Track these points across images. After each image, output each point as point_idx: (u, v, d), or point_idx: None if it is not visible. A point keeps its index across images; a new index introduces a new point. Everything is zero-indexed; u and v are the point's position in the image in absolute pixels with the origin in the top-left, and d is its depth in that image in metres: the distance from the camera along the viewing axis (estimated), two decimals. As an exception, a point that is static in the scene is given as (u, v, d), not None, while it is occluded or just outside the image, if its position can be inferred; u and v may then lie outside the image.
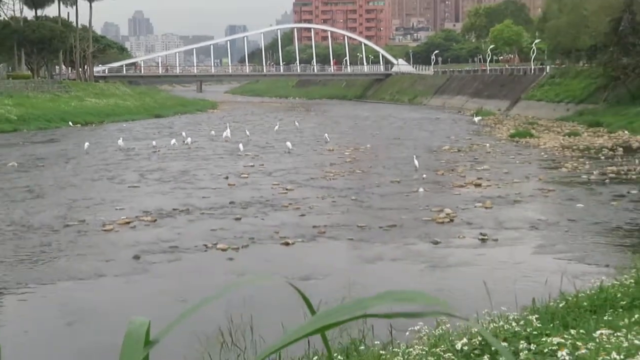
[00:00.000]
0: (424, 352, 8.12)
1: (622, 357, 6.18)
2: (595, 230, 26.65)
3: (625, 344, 6.82)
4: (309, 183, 38.94)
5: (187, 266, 22.23)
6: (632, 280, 13.37)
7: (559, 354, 7.09)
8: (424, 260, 22.50)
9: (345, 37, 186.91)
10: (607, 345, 6.90)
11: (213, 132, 70.43)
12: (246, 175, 41.66)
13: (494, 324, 9.42)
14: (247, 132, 68.81)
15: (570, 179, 38.76)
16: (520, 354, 7.20)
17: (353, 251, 24.13)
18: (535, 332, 8.12)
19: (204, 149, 58.27)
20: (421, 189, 35.52)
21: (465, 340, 7.83)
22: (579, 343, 7.24)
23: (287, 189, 36.48)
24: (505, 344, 7.33)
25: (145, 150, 57.52)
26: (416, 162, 44.25)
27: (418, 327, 10.58)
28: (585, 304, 12.39)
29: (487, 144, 59.85)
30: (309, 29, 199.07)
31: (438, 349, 7.97)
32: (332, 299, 17.83)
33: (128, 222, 28.25)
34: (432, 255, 23.12)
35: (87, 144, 59.67)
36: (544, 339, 7.56)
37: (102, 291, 20.01)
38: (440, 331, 9.91)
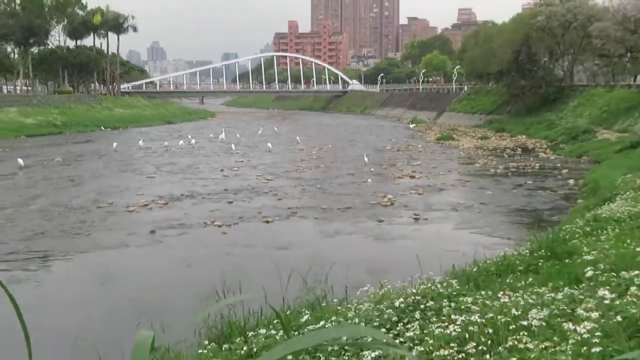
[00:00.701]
0: (370, 308, 8.16)
1: (519, 313, 6.26)
2: (500, 212, 26.92)
3: (522, 303, 6.90)
4: (284, 174, 39.01)
5: (191, 238, 22.25)
6: (527, 251, 13.51)
7: (473, 308, 7.20)
8: (372, 235, 22.62)
9: (313, 63, 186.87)
10: (508, 304, 6.99)
11: (212, 135, 70.54)
12: (237, 169, 41.72)
13: (424, 286, 9.44)
14: (238, 135, 69.08)
15: (481, 172, 39.07)
16: (443, 309, 7.26)
17: (318, 227, 24.20)
18: (454, 293, 8.13)
19: (204, 148, 58.24)
20: (369, 180, 35.64)
21: (402, 299, 7.88)
22: (487, 302, 7.32)
23: (267, 179, 36.53)
24: (432, 302, 7.42)
25: (160, 148, 57.42)
26: (366, 159, 44.47)
27: (366, 288, 10.64)
28: (492, 269, 12.49)
29: (419, 145, 60.19)
30: (285, 57, 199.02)
31: (381, 305, 8.01)
32: (302, 264, 18.00)
33: (146, 205, 28.27)
34: (378, 230, 23.25)
35: (115, 144, 59.32)
36: (461, 299, 7.61)
37: (126, 258, 20.08)
38: (384, 291, 9.93)
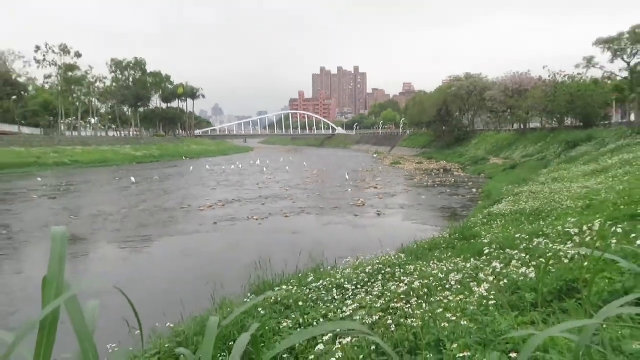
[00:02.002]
0: (351, 272, 8.06)
1: (443, 276, 6.20)
2: (430, 209, 26.77)
3: (445, 269, 6.82)
4: (297, 186, 38.86)
5: (239, 227, 22.08)
6: (448, 235, 13.36)
7: (415, 273, 7.11)
8: (351, 224, 22.43)
9: (314, 117, 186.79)
10: (436, 270, 6.91)
11: (251, 162, 70.42)
12: (267, 183, 41.58)
13: (384, 258, 9.34)
14: (267, 162, 68.93)
15: (418, 185, 38.90)
16: (396, 274, 7.17)
17: (318, 219, 23.99)
18: (403, 263, 8.04)
19: (246, 170, 58.03)
20: (349, 189, 35.50)
21: (370, 267, 7.77)
22: (423, 269, 7.24)
23: (286, 190, 36.37)
24: (389, 269, 7.35)
25: (219, 170, 57.26)
26: (347, 176, 44.31)
27: (348, 259, 10.55)
28: (426, 246, 12.31)
29: (380, 168, 59.98)
30: (296, 113, 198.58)
31: (358, 271, 7.91)
32: (308, 242, 17.90)
33: (210, 206, 28.10)
34: (355, 222, 23.04)
35: (191, 167, 59.19)
36: (407, 266, 7.51)
37: (199, 240, 19.90)
38: (359, 262, 9.74)
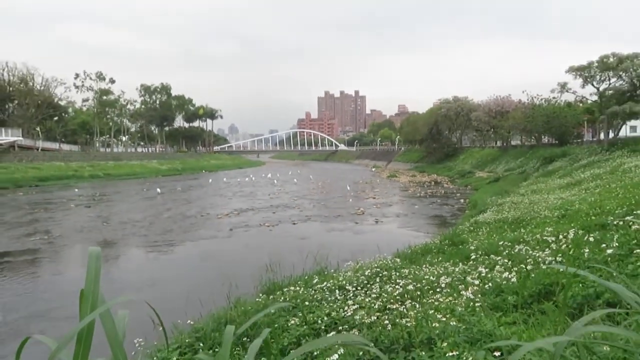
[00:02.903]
0: (351, 275, 7.98)
1: (434, 279, 6.12)
2: (423, 217, 26.63)
3: (436, 273, 6.75)
4: (303, 197, 38.76)
5: (253, 233, 22.01)
6: (438, 241, 13.21)
7: (409, 276, 7.03)
8: (352, 231, 22.35)
9: (319, 135, 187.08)
10: (428, 273, 6.83)
11: (263, 175, 70.33)
12: (277, 194, 41.46)
13: (381, 262, 9.21)
14: (277, 175, 68.75)
15: (412, 195, 38.73)
16: (392, 276, 7.10)
17: (323, 226, 23.84)
18: (398, 267, 7.90)
19: (259, 182, 57.97)
20: (350, 199, 35.37)
21: (369, 270, 7.67)
22: (416, 272, 7.15)
23: (294, 199, 36.26)
24: (386, 272, 7.27)
25: (235, 182, 57.22)
26: (348, 187, 44.23)
27: (349, 263, 10.45)
28: (419, 251, 12.21)
29: (377, 180, 59.75)
30: (303, 131, 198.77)
31: (358, 274, 7.83)
32: (314, 247, 17.78)
33: (227, 214, 28.03)
34: (355, 228, 22.94)
35: (210, 180, 59.15)
36: (402, 270, 7.38)
37: (217, 244, 19.83)
38: (359, 265, 9.62)
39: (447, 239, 13.10)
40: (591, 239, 4.75)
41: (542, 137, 50.76)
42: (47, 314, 11.02)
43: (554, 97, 43.10)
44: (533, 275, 4.06)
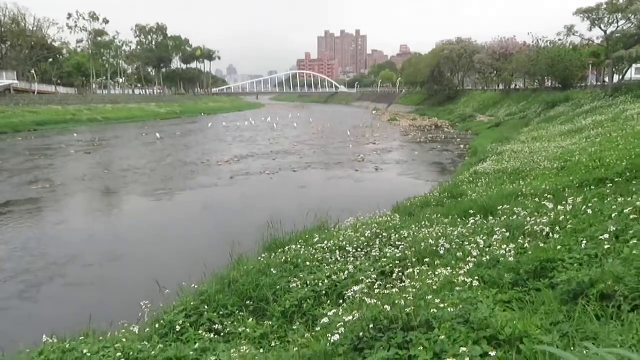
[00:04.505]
0: (352, 233, 8.08)
1: (433, 241, 6.20)
2: (423, 164, 26.69)
3: (434, 235, 6.80)
4: (304, 142, 38.63)
5: (253, 181, 22.07)
6: (437, 193, 13.32)
7: (408, 238, 7.11)
8: (352, 179, 22.38)
9: (319, 76, 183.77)
10: (427, 235, 6.92)
11: (262, 118, 69.73)
12: (277, 139, 41.23)
13: (381, 219, 9.29)
14: (277, 118, 68.11)
15: (412, 141, 38.61)
16: (392, 237, 7.17)
17: (323, 174, 23.91)
18: (397, 226, 7.83)
19: (259, 126, 57.56)
20: (350, 145, 35.28)
21: (369, 231, 7.60)
22: (415, 234, 7.19)
23: (294, 145, 36.16)
24: (385, 233, 7.34)
25: (234, 127, 56.87)
26: (348, 132, 44.04)
27: (350, 219, 10.56)
28: (418, 203, 12.31)
29: (378, 124, 59.44)
30: (303, 73, 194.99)
31: (358, 233, 7.87)
32: (314, 196, 17.98)
33: (227, 161, 28.06)
34: (355, 176, 22.97)
35: (210, 123, 58.81)
36: (401, 232, 7.31)
37: (217, 191, 19.96)
38: (359, 222, 9.67)
39: (447, 191, 13.18)
40: (589, 211, 4.79)
41: (546, 80, 49.92)
42: (66, 260, 11.28)
43: (559, 40, 42.01)
44: (530, 252, 4.13)
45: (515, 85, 61.67)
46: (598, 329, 2.52)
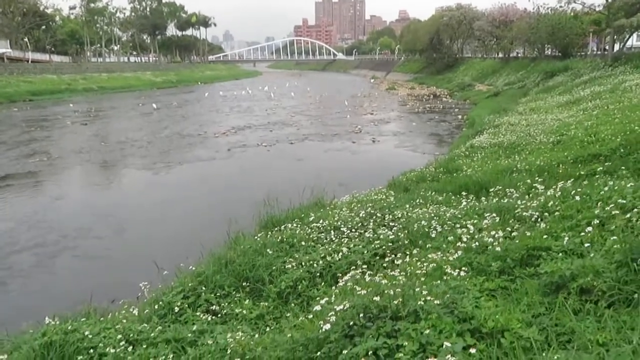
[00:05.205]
0: (346, 213, 8.14)
1: (425, 223, 6.29)
2: (420, 136, 26.63)
3: (427, 216, 6.89)
4: (301, 113, 38.39)
5: (250, 153, 22.04)
6: (433, 168, 13.37)
7: (401, 219, 7.19)
8: (349, 151, 22.36)
9: (316, 43, 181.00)
10: (420, 215, 6.99)
11: (260, 87, 69.01)
12: (274, 109, 40.94)
13: (375, 197, 9.35)
14: (275, 87, 67.47)
15: (410, 111, 38.40)
16: (385, 217, 7.24)
17: (320, 146, 23.78)
18: (392, 206, 7.87)
19: (256, 95, 57.11)
20: (348, 116, 35.06)
21: (363, 211, 7.60)
22: (409, 214, 7.27)
23: (292, 116, 35.94)
24: (379, 213, 7.39)
25: (231, 96, 56.36)
26: (346, 102, 43.70)
27: (346, 197, 10.63)
28: (414, 179, 12.36)
29: (376, 93, 58.96)
30: (300, 40, 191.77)
31: (352, 213, 7.92)
32: (311, 169, 18.07)
33: (224, 133, 27.95)
34: (352, 148, 22.93)
35: (207, 93, 58.31)
36: (395, 212, 7.32)
37: (215, 165, 19.94)
38: (355, 200, 9.68)
39: (442, 166, 13.25)
40: (577, 197, 4.88)
41: (545, 49, 49.34)
42: (76, 233, 11.46)
43: (560, 7, 41.33)
44: (517, 240, 4.24)
45: (517, 53, 60.93)
46: (575, 325, 2.63)
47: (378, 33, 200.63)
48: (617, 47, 38.19)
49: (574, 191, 5.17)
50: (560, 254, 3.73)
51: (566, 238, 3.90)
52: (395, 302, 3.37)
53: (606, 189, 4.85)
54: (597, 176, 7.18)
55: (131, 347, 4.44)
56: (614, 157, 10.16)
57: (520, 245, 4.07)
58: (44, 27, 76.67)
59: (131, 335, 4.71)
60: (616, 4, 33.19)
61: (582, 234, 4.01)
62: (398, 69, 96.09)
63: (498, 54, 63.31)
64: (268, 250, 6.73)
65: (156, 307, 5.53)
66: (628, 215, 3.85)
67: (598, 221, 4.11)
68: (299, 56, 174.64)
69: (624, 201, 4.34)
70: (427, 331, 2.95)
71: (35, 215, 13.06)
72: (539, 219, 4.87)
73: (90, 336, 4.70)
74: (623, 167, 7.46)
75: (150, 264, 7.20)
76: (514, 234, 4.42)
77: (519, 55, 59.48)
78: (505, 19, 57.56)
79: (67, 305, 6.35)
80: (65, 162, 20.47)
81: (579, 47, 45.60)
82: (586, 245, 3.69)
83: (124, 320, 5.13)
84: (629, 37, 38.42)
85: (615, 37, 36.88)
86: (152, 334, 4.66)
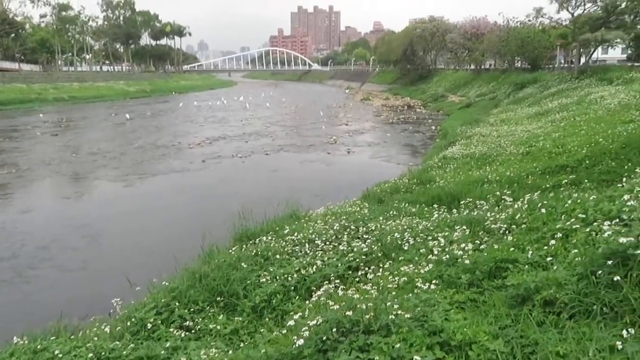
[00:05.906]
0: (321, 225, 8.19)
1: (398, 236, 6.37)
2: (395, 146, 26.88)
3: (400, 228, 6.96)
4: (276, 123, 38.41)
5: (225, 165, 21.93)
6: (407, 179, 13.46)
7: (375, 231, 7.26)
8: (324, 162, 22.39)
9: (292, 53, 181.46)
10: (393, 228, 7.07)
11: (235, 97, 68.75)
12: (249, 120, 40.84)
13: (350, 209, 9.42)
14: (250, 98, 67.39)
15: (385, 121, 38.74)
16: (360, 229, 7.33)
17: (295, 157, 23.78)
18: (365, 218, 7.86)
19: (231, 105, 56.84)
20: (323, 126, 35.09)
21: (337, 224, 7.67)
22: (382, 226, 7.34)
23: (267, 126, 35.91)
24: (353, 225, 7.47)
25: (206, 106, 56.02)
26: (321, 113, 43.94)
27: (320, 209, 10.66)
28: (388, 189, 12.50)
29: (351, 104, 59.43)
30: (276, 50, 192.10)
31: (327, 225, 7.98)
32: (285, 180, 18.08)
33: (199, 144, 27.74)
34: (327, 159, 23.00)
35: (181, 103, 57.85)
36: (368, 224, 7.35)
37: (189, 176, 19.72)
38: (329, 211, 9.71)
39: (415, 177, 13.41)
40: (543, 210, 5.04)
41: (515, 61, 50.65)
42: (45, 246, 11.21)
43: (529, 21, 42.55)
44: (486, 253, 4.35)
45: (489, 65, 62.29)
46: (538, 337, 2.74)
47: (353, 44, 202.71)
48: (583, 60, 39.41)
49: (540, 203, 5.34)
50: (526, 267, 3.85)
51: (531, 251, 4.04)
52: (368, 316, 3.44)
53: (570, 201, 5.02)
54: (562, 188, 7.42)
55: (103, 366, 4.38)
56: (579, 169, 10.52)
57: (488, 258, 4.18)
58: (13, 35, 75.06)
59: (103, 353, 4.64)
60: (581, 19, 34.33)
61: (546, 247, 4.16)
62: (373, 80, 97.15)
63: (470, 66, 64.62)
64: (242, 264, 6.72)
65: (128, 323, 5.46)
66: (588, 229, 4.01)
67: (561, 234, 4.26)
68: (274, 66, 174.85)
69: (584, 215, 4.50)
70: (398, 345, 3.02)
71: (1, 230, 12.73)
72: (507, 232, 5.01)
73: (60, 355, 4.62)
74: (587, 180, 7.71)
75: (123, 278, 7.12)
76: (482, 246, 4.56)
77: (491, 67, 60.79)
78: (476, 31, 58.87)
79: (37, 319, 6.23)
80: (35, 174, 20.02)
81: (547, 59, 47.02)
82: (550, 258, 3.82)
83: (95, 338, 5.06)
84: (594, 50, 39.72)
85: (581, 50, 38.08)
86: (125, 352, 4.60)
